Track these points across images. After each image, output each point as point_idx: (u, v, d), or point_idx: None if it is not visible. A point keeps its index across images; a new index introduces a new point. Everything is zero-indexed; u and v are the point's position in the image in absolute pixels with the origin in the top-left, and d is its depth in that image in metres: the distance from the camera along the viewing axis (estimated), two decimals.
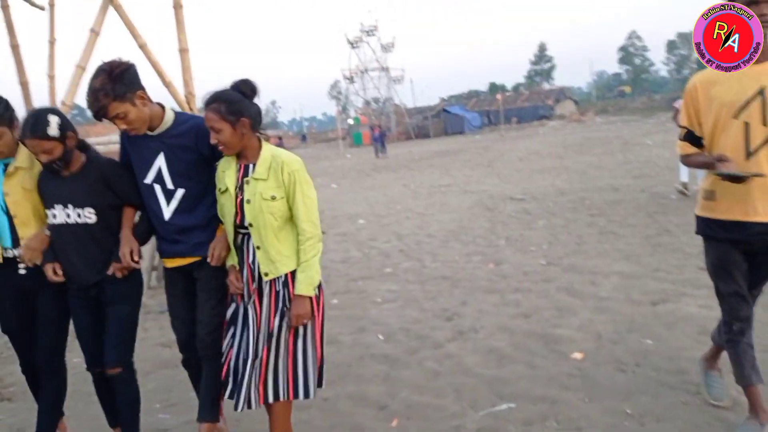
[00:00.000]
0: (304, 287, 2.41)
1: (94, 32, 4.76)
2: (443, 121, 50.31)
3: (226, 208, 2.48)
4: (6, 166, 2.65)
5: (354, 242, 7.89)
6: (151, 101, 2.53)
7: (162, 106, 2.59)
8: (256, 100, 2.47)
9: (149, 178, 2.58)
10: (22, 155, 2.67)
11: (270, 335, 2.43)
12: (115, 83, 2.36)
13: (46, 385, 2.79)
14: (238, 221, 2.46)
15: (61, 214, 2.58)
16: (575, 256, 5.96)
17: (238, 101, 2.37)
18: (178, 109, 2.74)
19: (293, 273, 2.45)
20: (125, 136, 2.62)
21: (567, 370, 3.41)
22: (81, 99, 3.32)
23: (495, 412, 3.03)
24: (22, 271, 2.66)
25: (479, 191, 11.81)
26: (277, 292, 2.45)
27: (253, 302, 2.48)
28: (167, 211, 2.59)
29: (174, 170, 2.55)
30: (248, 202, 2.40)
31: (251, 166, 2.44)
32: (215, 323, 2.61)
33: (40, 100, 7.01)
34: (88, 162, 2.65)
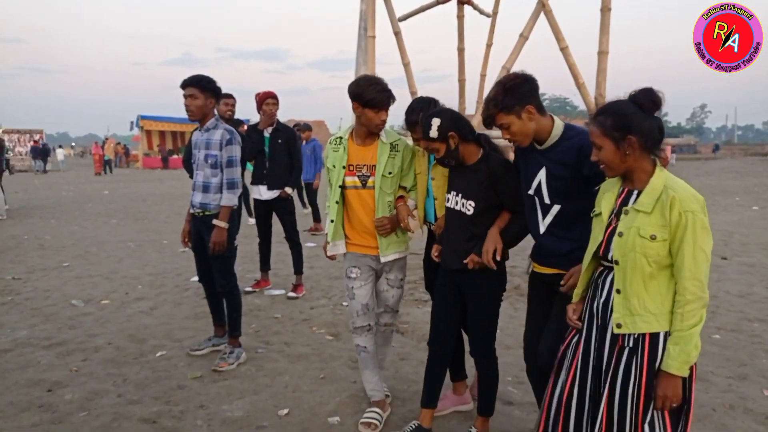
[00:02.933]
0: (677, 365, 1.91)
1: (523, 37, 5.28)
2: None
3: (594, 233, 2.19)
4: None
5: (763, 277, 6.69)
6: (542, 115, 2.49)
7: (553, 120, 2.54)
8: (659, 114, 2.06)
9: (531, 190, 2.59)
10: None
11: (611, 400, 2.05)
12: (506, 95, 2.43)
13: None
14: (601, 252, 2.14)
15: (452, 200, 2.83)
16: None
17: (627, 115, 2.02)
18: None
19: (653, 336, 1.99)
20: (518, 146, 2.69)
21: None
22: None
23: None
24: None
25: None
26: (622, 348, 2.05)
27: (582, 342, 2.22)
28: (542, 225, 2.57)
29: (552, 186, 2.51)
30: (620, 235, 2.03)
31: (635, 193, 2.06)
32: (558, 342, 2.41)
33: (470, 96, 8.23)
34: (482, 158, 2.77)
